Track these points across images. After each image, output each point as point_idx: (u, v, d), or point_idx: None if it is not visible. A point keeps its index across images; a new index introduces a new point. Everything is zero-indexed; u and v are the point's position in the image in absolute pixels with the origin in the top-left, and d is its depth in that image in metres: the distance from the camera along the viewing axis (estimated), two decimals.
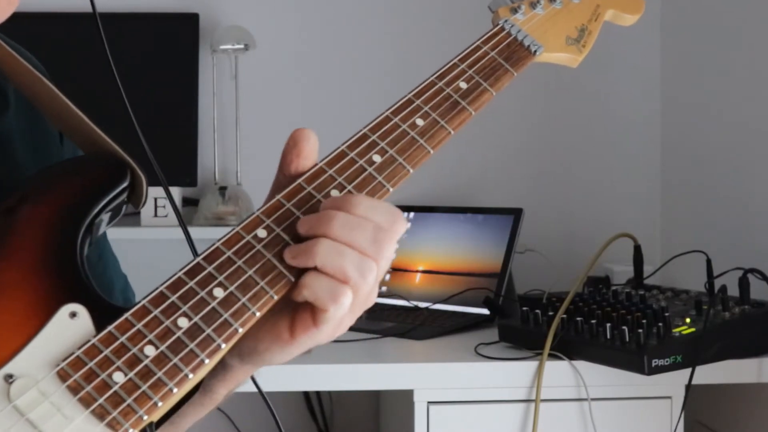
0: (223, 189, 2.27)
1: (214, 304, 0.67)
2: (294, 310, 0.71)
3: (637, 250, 1.97)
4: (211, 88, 2.33)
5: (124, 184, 0.77)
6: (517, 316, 1.84)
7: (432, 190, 2.32)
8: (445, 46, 2.39)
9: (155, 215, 2.17)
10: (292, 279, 0.69)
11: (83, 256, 0.71)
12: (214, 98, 2.33)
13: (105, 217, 0.75)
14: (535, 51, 0.86)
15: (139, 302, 0.66)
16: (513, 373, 1.69)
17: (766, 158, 2.00)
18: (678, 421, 1.70)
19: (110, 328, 0.65)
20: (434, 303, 2.10)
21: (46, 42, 1.71)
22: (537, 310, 1.76)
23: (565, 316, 1.71)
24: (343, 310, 0.68)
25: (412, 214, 2.29)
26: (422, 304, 2.11)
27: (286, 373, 1.67)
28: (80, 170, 0.78)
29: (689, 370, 1.60)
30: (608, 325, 1.64)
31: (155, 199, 2.16)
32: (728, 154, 2.14)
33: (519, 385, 1.69)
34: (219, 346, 0.66)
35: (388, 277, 2.25)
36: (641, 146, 2.45)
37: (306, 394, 2.32)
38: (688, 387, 1.63)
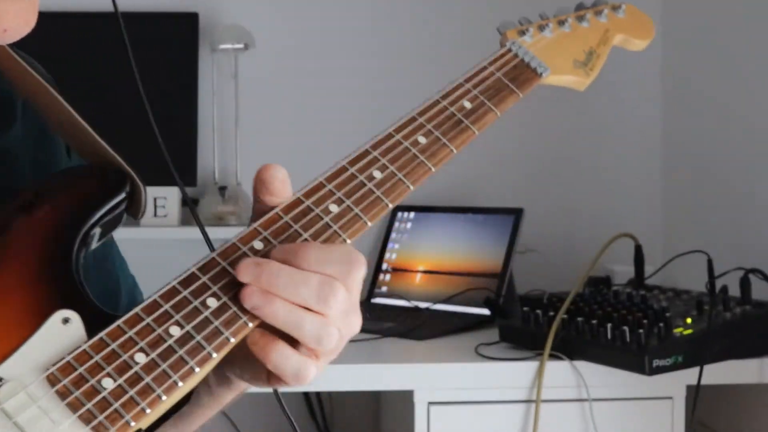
0: (222, 189, 2.26)
1: (206, 313, 0.67)
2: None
3: (638, 250, 1.96)
4: (211, 87, 2.33)
5: (122, 195, 0.77)
6: (517, 317, 1.83)
7: (432, 190, 2.31)
8: (445, 46, 2.41)
9: (155, 215, 2.16)
10: None
11: (78, 265, 0.71)
12: (213, 97, 2.33)
13: (98, 231, 0.75)
14: (542, 73, 0.86)
15: (132, 310, 0.67)
16: (514, 374, 1.69)
17: (767, 158, 2.00)
18: (679, 422, 1.69)
19: (101, 334, 0.65)
20: (435, 303, 2.10)
21: (45, 42, 1.71)
22: (538, 311, 1.76)
23: (565, 316, 1.71)
24: (311, 376, 0.72)
25: (412, 214, 2.28)
26: (422, 305, 2.11)
27: None
28: (80, 180, 0.78)
29: (690, 370, 1.60)
30: (609, 325, 1.63)
31: (155, 199, 2.15)
32: (729, 153, 2.14)
33: (520, 385, 1.68)
34: (210, 354, 0.66)
35: (388, 277, 2.25)
36: (642, 146, 2.44)
37: (306, 395, 2.32)
38: (689, 387, 1.63)
